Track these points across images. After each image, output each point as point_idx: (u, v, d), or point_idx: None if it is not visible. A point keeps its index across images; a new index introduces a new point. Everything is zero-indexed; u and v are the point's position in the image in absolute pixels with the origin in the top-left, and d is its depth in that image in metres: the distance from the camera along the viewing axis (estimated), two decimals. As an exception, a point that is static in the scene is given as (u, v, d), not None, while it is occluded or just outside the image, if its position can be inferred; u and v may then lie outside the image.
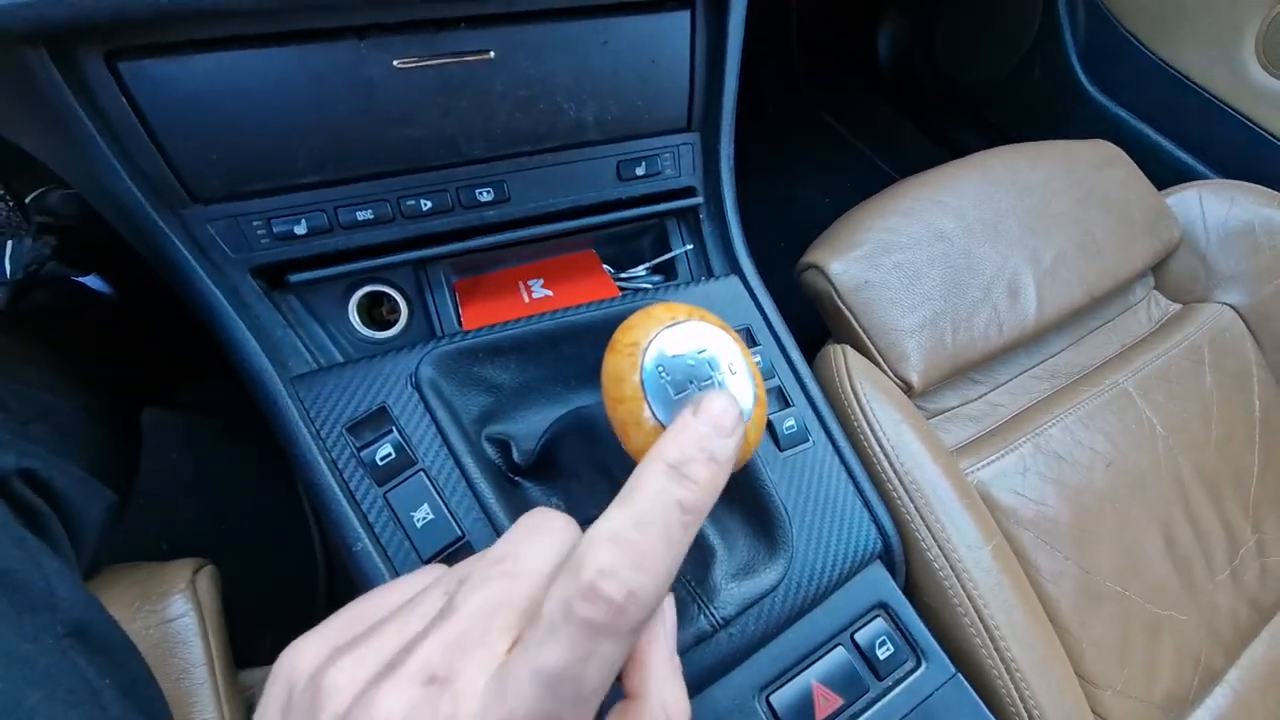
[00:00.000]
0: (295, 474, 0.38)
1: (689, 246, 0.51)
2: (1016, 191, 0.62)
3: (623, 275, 0.51)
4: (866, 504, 0.44)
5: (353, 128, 0.36)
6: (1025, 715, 0.42)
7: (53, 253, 0.57)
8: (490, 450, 0.40)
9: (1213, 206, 0.69)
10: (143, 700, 0.33)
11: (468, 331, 0.41)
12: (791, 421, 0.44)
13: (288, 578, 0.79)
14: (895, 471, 0.46)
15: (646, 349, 0.23)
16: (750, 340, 0.47)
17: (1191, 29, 0.77)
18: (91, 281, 0.70)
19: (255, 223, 0.38)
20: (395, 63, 0.35)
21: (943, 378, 0.56)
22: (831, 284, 0.54)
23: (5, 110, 0.34)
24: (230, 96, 0.33)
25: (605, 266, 0.50)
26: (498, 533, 0.36)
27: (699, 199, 0.49)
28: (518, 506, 0.38)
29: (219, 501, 0.83)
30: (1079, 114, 0.89)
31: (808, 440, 0.44)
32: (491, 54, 0.37)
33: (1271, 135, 0.74)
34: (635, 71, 0.42)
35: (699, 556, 0.39)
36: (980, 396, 0.60)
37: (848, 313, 0.54)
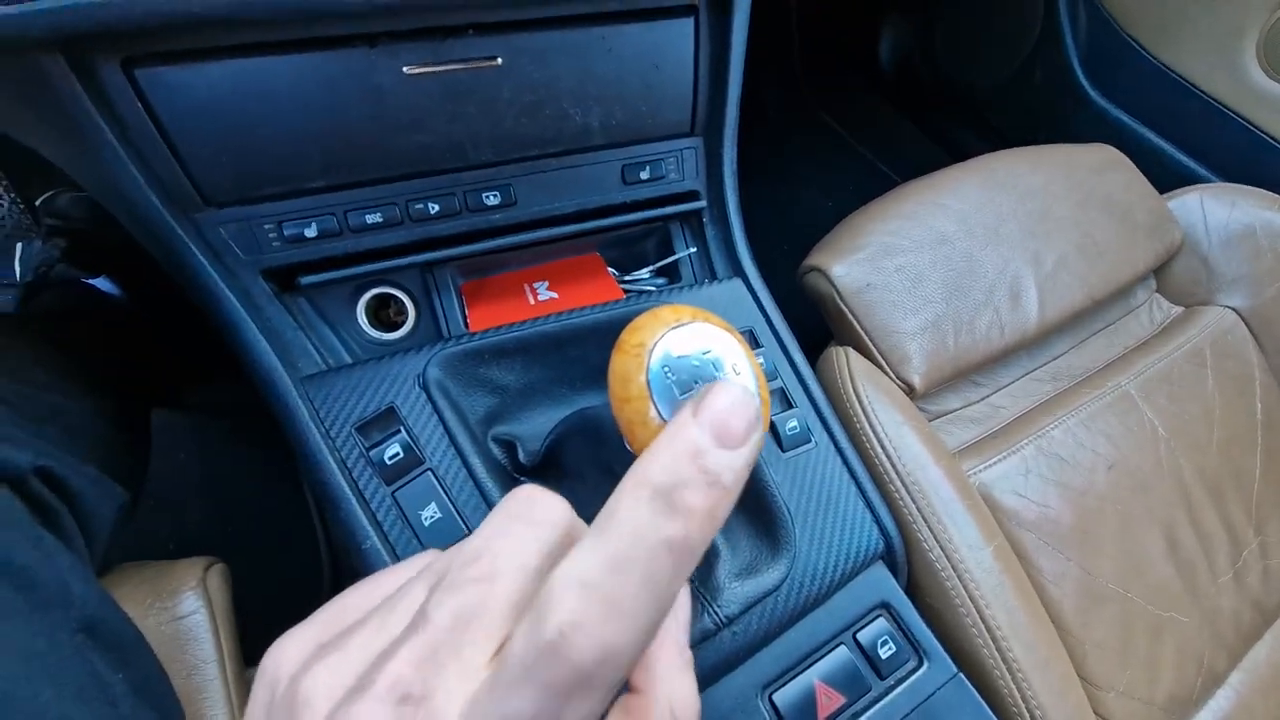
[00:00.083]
0: (304, 473, 0.38)
1: (692, 249, 0.51)
2: (1018, 195, 0.62)
3: (627, 278, 0.51)
4: (869, 505, 0.45)
5: (363, 133, 0.37)
6: (1027, 715, 0.42)
7: (62, 255, 0.58)
8: (496, 450, 0.40)
9: (1214, 210, 0.69)
10: (154, 696, 0.34)
11: (474, 333, 0.41)
12: (794, 423, 0.44)
13: (293, 579, 0.79)
14: (897, 473, 0.47)
15: (652, 349, 0.24)
16: (753, 342, 0.47)
17: (1193, 33, 0.77)
18: (101, 284, 0.71)
19: (266, 226, 0.38)
20: (405, 69, 0.36)
21: (944, 380, 0.56)
22: (834, 287, 0.54)
23: (22, 115, 0.35)
24: (244, 102, 0.34)
25: (610, 269, 0.50)
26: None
27: (702, 202, 0.50)
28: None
29: (226, 503, 0.83)
30: (1080, 117, 0.90)
31: (810, 441, 0.45)
32: (499, 60, 0.38)
33: (1273, 139, 0.74)
34: (639, 77, 0.42)
35: (703, 556, 0.39)
36: (982, 399, 0.60)
37: (850, 315, 0.54)
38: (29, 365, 0.45)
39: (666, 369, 0.23)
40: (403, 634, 0.15)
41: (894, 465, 0.47)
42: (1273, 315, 0.66)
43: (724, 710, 0.37)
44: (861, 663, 0.40)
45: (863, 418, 0.48)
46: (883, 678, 0.40)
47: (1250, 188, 0.69)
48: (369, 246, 0.41)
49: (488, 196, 0.42)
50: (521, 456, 0.40)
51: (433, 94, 0.37)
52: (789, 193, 1.20)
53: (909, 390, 0.54)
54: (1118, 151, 0.71)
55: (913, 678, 0.40)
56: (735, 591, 0.38)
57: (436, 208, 0.41)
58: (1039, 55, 0.93)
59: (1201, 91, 0.78)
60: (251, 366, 0.38)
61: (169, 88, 0.33)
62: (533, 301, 0.47)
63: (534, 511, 0.17)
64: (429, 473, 0.37)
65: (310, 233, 0.39)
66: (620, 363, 0.24)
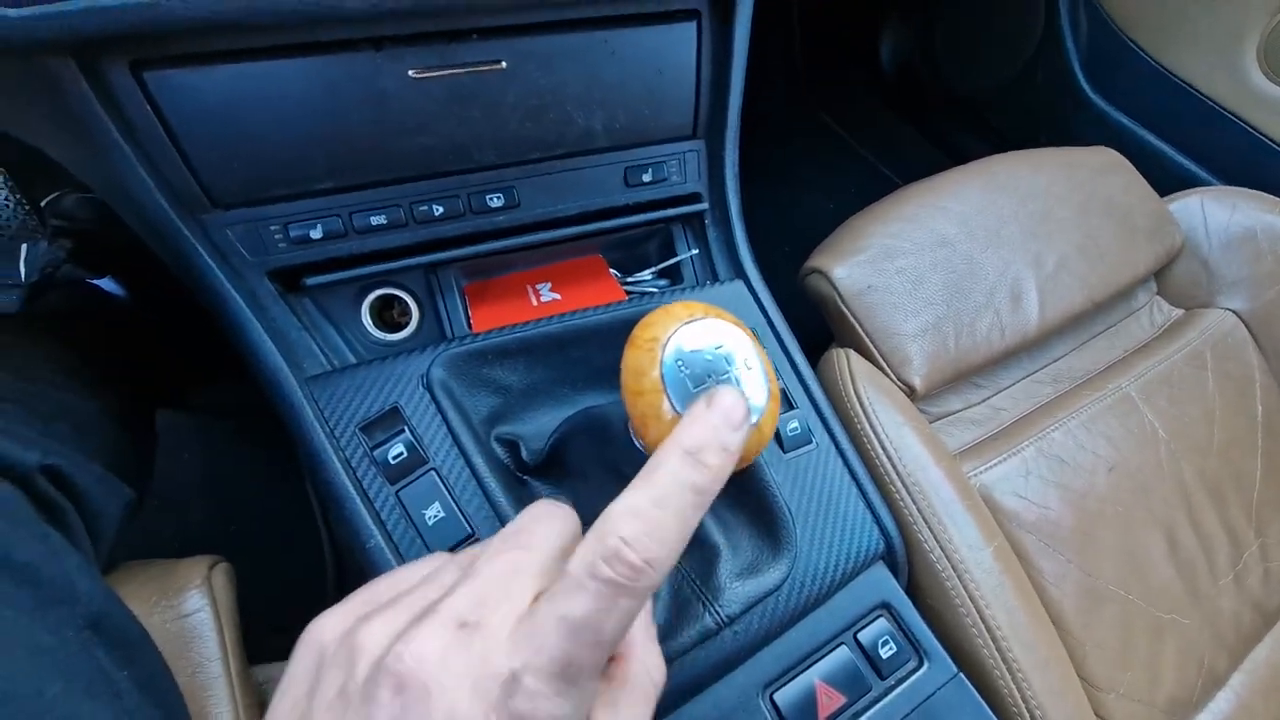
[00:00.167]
0: (309, 473, 0.38)
1: (694, 251, 0.52)
2: (1019, 197, 0.62)
3: (629, 279, 0.52)
4: (869, 505, 0.45)
5: (368, 136, 0.37)
6: (1028, 716, 0.42)
7: (68, 256, 0.58)
8: (499, 450, 0.40)
9: (1215, 212, 0.69)
10: (159, 692, 0.34)
11: (477, 334, 0.42)
12: (795, 424, 0.45)
13: (296, 580, 0.79)
14: (898, 473, 0.47)
15: (666, 344, 0.24)
16: (755, 343, 0.47)
17: (1193, 35, 0.77)
18: (106, 284, 0.71)
19: (273, 227, 0.39)
20: (410, 73, 0.36)
21: (945, 382, 0.56)
22: (835, 288, 0.55)
23: (32, 118, 0.35)
24: (251, 105, 0.34)
25: (612, 271, 0.51)
26: (507, 531, 0.36)
27: (704, 205, 0.50)
28: (526, 505, 0.38)
29: (228, 503, 0.83)
30: (1081, 120, 0.90)
31: (811, 442, 0.45)
32: (503, 64, 0.38)
33: (1273, 141, 0.74)
34: (642, 81, 0.42)
35: (704, 556, 0.39)
36: (983, 400, 0.60)
37: (851, 317, 0.54)
38: (36, 364, 0.45)
39: (680, 363, 0.24)
40: (453, 585, 0.19)
41: (895, 466, 0.47)
42: (1273, 318, 0.66)
43: (725, 709, 0.37)
44: (862, 662, 0.40)
45: (864, 419, 0.48)
46: (883, 677, 0.40)
47: (1251, 190, 0.69)
48: (374, 248, 0.41)
49: (491, 198, 0.43)
50: (525, 456, 0.40)
51: (437, 97, 0.38)
52: (790, 195, 1.20)
53: (910, 392, 0.54)
54: (1118, 154, 0.71)
55: (913, 678, 0.40)
56: (736, 591, 0.38)
57: (441, 209, 0.42)
58: (1040, 58, 0.94)
59: (1202, 94, 0.78)
60: (257, 367, 0.39)
61: (177, 90, 0.33)
62: (536, 303, 0.47)
63: (556, 511, 0.22)
64: (432, 472, 0.37)
65: (316, 234, 0.39)
66: (634, 357, 0.24)
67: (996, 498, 0.52)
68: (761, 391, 0.25)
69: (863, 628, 0.41)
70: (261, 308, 0.39)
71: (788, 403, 0.46)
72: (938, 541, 0.45)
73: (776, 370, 0.47)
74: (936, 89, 1.16)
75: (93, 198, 0.48)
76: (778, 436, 0.44)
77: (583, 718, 0.19)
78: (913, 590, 0.46)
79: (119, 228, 0.40)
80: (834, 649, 0.40)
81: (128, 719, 0.30)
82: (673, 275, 0.52)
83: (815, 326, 0.57)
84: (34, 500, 0.34)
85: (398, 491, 0.36)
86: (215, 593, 0.39)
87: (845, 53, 1.30)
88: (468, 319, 0.45)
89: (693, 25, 0.42)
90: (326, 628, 0.20)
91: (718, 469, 0.20)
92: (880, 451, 0.48)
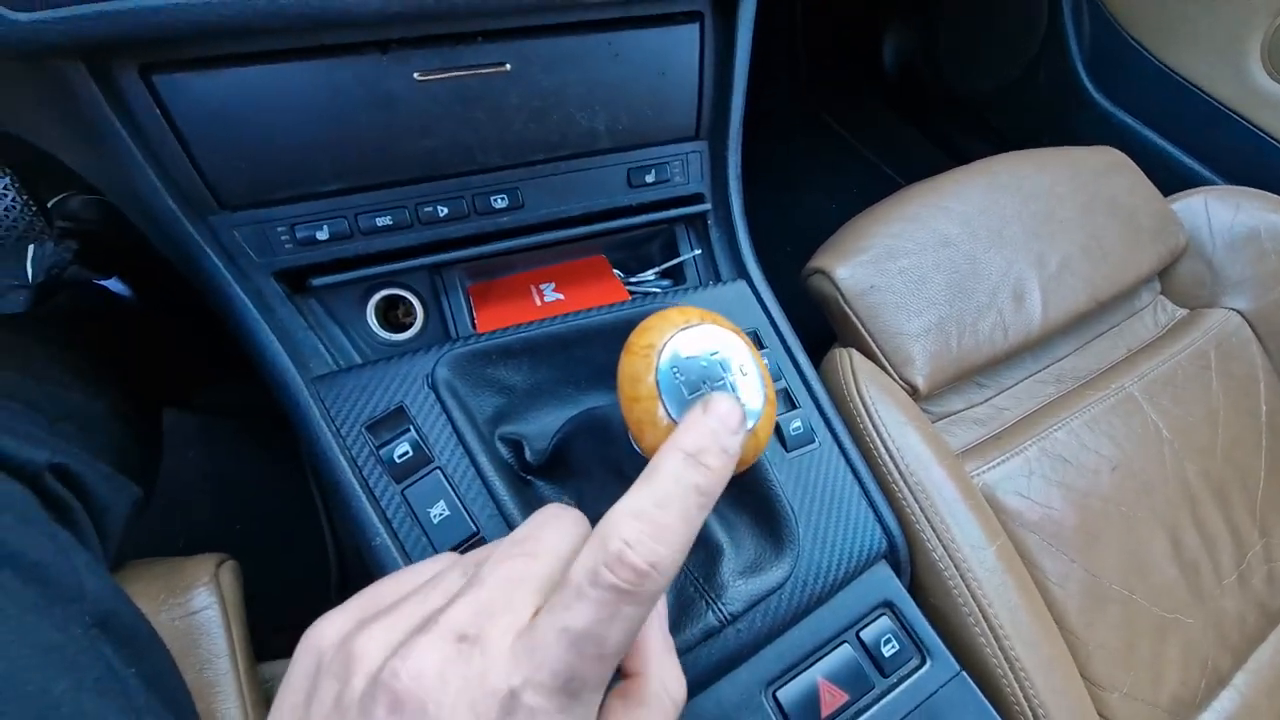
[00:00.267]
0: (314, 472, 0.39)
1: (697, 252, 0.52)
2: (1022, 197, 0.62)
3: (632, 280, 0.52)
4: (872, 504, 0.45)
5: (374, 138, 0.38)
6: (1030, 715, 0.42)
7: (74, 256, 0.59)
8: (503, 450, 0.41)
9: (1218, 212, 0.69)
10: (167, 689, 0.34)
11: (481, 334, 0.42)
12: (798, 423, 0.45)
13: (299, 578, 0.79)
14: (900, 473, 0.47)
15: (661, 351, 0.24)
16: (758, 343, 0.48)
17: (1196, 35, 0.77)
18: (112, 285, 0.72)
19: (279, 228, 0.39)
20: (416, 75, 0.36)
21: (948, 381, 0.56)
22: (838, 289, 0.55)
23: (42, 121, 0.36)
24: (259, 108, 0.35)
25: (615, 271, 0.51)
26: (510, 529, 0.37)
27: (707, 205, 0.50)
28: (530, 504, 0.39)
29: (233, 502, 0.84)
30: (1084, 120, 0.90)
31: (814, 442, 0.45)
32: (508, 66, 0.38)
33: (1277, 141, 0.74)
34: (645, 83, 0.43)
35: (707, 554, 0.39)
36: (985, 400, 0.60)
37: (854, 317, 0.54)
38: (43, 364, 0.45)
39: (675, 369, 0.24)
40: (455, 595, 0.19)
41: (897, 466, 0.47)
42: (1277, 318, 0.66)
43: (728, 707, 0.38)
44: (865, 661, 0.40)
45: (866, 418, 0.49)
46: (886, 676, 0.40)
47: (1255, 190, 0.69)
48: (379, 249, 0.42)
49: (496, 199, 0.43)
50: (528, 455, 0.40)
51: (443, 99, 0.38)
52: (793, 195, 1.20)
53: (912, 392, 0.54)
54: (1122, 154, 0.71)
55: (915, 676, 0.41)
56: (739, 589, 0.38)
57: (445, 210, 0.42)
58: (1043, 58, 0.94)
59: (1205, 94, 0.78)
60: (264, 367, 0.39)
61: (186, 93, 0.33)
62: (539, 303, 0.47)
63: (565, 516, 0.21)
64: (438, 471, 0.37)
65: (322, 235, 0.40)
66: (630, 364, 0.24)
67: (999, 497, 0.52)
68: (757, 397, 0.25)
69: (865, 626, 0.41)
70: (268, 308, 0.40)
71: (791, 402, 0.46)
72: (940, 541, 0.46)
73: (779, 370, 0.47)
74: (939, 89, 1.16)
75: (99, 199, 0.49)
76: (780, 436, 0.44)
77: None
78: (915, 589, 0.46)
79: (125, 229, 0.41)
80: (837, 647, 0.40)
81: (135, 716, 0.30)
82: (676, 275, 0.53)
83: (818, 326, 0.58)
84: (42, 498, 0.34)
85: (403, 490, 0.37)
86: (223, 590, 0.39)
87: (847, 53, 1.30)
88: (472, 319, 0.46)
89: (695, 27, 0.43)
90: (326, 632, 0.19)
91: (719, 470, 0.20)
92: (883, 451, 0.48)
